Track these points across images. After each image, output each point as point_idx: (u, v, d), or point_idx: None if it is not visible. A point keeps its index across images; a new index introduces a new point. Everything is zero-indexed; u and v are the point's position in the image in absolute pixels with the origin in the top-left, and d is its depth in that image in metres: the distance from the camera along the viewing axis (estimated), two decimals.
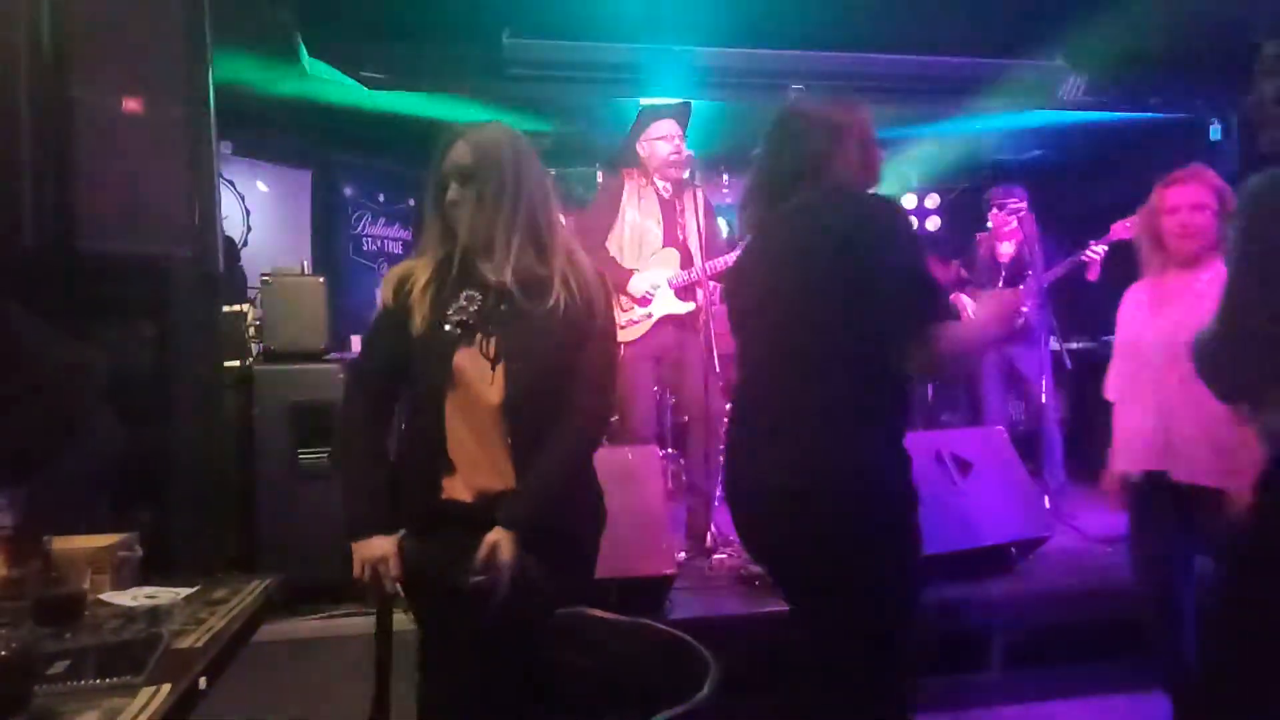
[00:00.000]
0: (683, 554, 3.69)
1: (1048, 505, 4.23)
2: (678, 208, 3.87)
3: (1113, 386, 2.76)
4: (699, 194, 3.87)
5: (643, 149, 3.85)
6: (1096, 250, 4.41)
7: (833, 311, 1.81)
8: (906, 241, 1.84)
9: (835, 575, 1.80)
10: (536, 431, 1.81)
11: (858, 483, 1.78)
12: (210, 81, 3.17)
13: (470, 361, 1.81)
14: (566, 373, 1.85)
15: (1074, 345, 5.32)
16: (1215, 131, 5.81)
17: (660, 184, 3.84)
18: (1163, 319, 2.55)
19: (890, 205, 1.90)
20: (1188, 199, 2.52)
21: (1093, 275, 4.48)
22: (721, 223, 4.78)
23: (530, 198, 1.83)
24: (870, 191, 1.95)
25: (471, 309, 1.84)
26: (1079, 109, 5.65)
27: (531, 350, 1.82)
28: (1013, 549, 3.45)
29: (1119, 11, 4.59)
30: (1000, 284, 4.81)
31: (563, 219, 1.92)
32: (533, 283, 1.82)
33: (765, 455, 1.87)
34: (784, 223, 1.94)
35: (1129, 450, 2.63)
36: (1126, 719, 3.10)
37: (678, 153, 3.77)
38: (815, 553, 1.81)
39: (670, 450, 5.11)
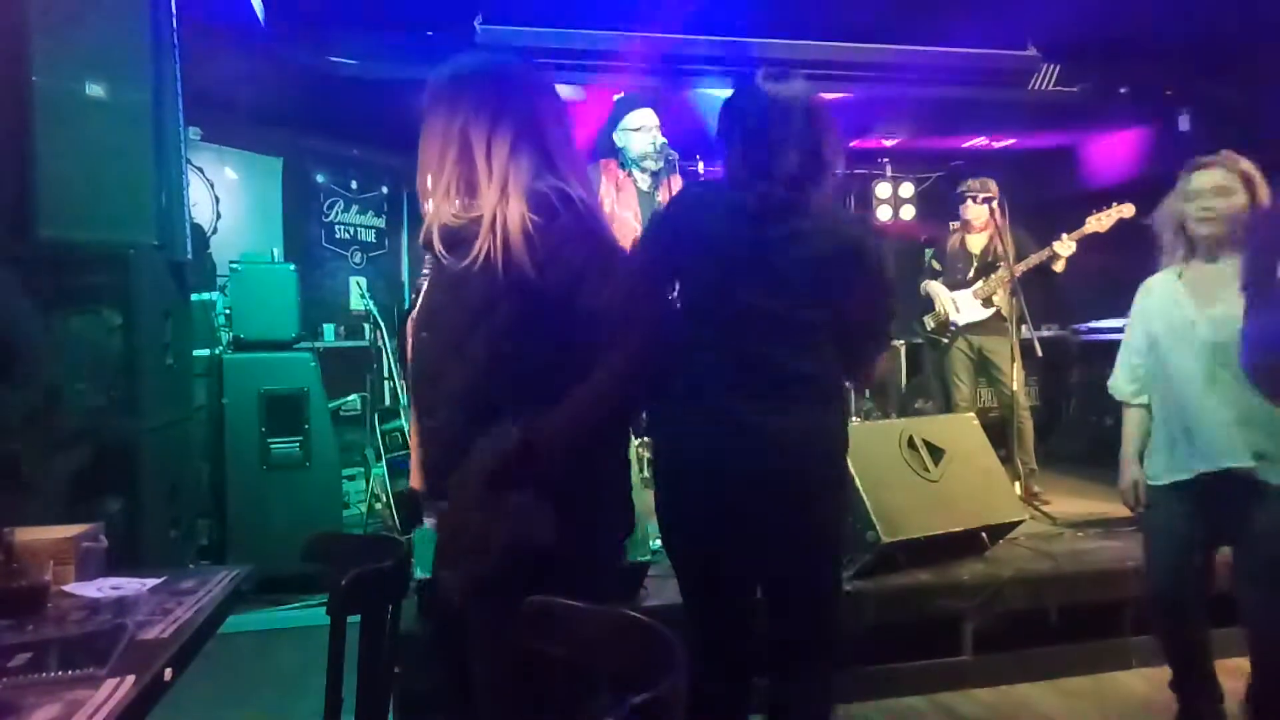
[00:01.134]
0: (657, 541, 3.69)
1: (1018, 491, 4.28)
2: (656, 199, 3.85)
3: (1133, 382, 2.64)
4: (675, 184, 3.85)
5: (619, 139, 3.82)
6: (1069, 243, 4.43)
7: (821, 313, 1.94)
8: (886, 274, 2.02)
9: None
10: (438, 418, 1.52)
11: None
12: (177, 67, 3.12)
13: (412, 328, 1.61)
14: (486, 345, 1.46)
15: (1045, 333, 5.37)
16: (1184, 122, 5.87)
17: (638, 175, 3.82)
18: (1213, 310, 2.38)
19: (873, 232, 2.08)
20: (1212, 183, 2.41)
21: (1058, 267, 4.51)
22: None
23: (464, 127, 1.50)
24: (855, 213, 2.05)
25: (426, 269, 1.62)
26: (1051, 99, 5.69)
27: (436, 318, 1.54)
28: (984, 534, 3.48)
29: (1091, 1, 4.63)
30: (971, 275, 4.84)
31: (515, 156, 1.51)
32: (455, 233, 1.50)
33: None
34: (783, 221, 1.94)
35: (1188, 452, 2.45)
36: (1096, 701, 3.14)
37: (655, 143, 3.75)
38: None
39: (647, 439, 5.11)
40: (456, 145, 1.51)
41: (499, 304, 1.45)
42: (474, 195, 1.51)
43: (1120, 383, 2.68)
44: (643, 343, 1.45)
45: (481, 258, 1.44)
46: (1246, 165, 2.42)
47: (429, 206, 1.55)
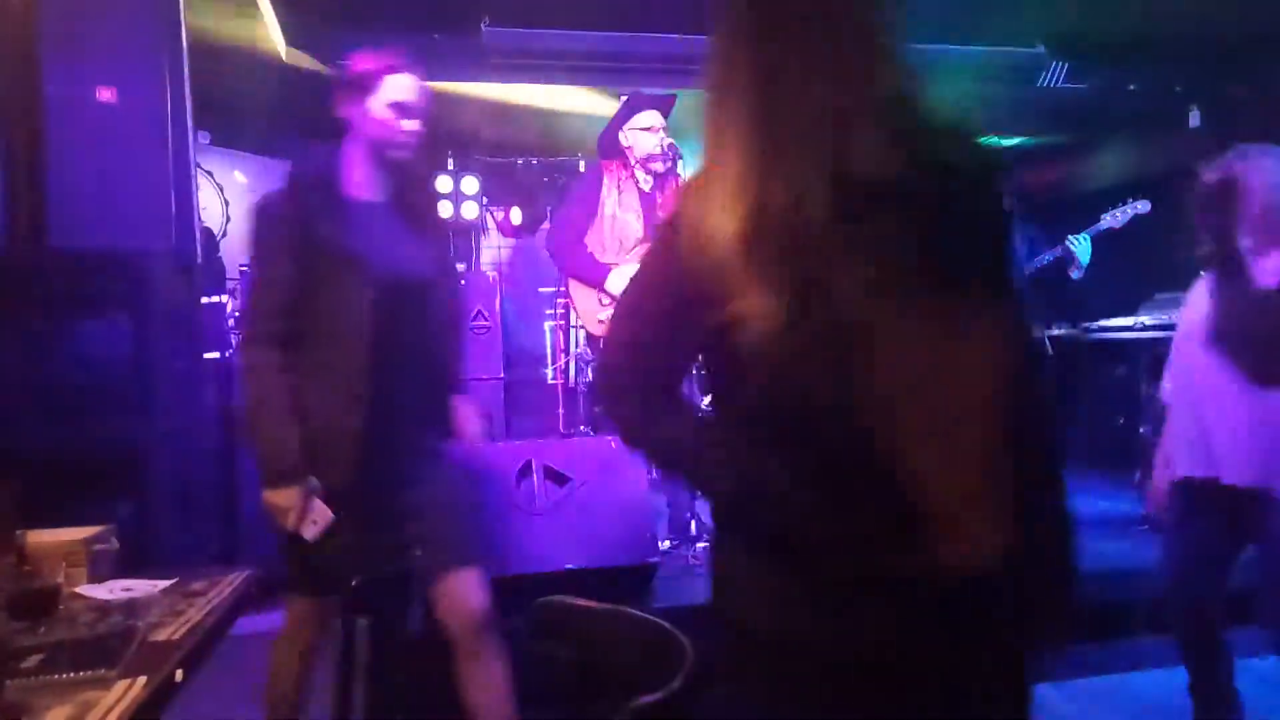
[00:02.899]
0: (666, 543, 3.69)
1: None
2: (658, 200, 3.85)
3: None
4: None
5: (626, 138, 3.82)
6: (1083, 241, 4.37)
7: None
8: None
9: None
10: None
11: None
12: (186, 71, 3.14)
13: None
14: None
15: (1055, 332, 5.34)
16: (1194, 118, 5.84)
17: (641, 176, 3.82)
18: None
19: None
20: None
21: (1074, 271, 4.45)
22: None
23: None
24: None
25: None
26: (1059, 96, 5.67)
27: None
28: None
29: None
30: None
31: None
32: None
33: None
34: None
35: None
36: (1112, 701, 3.13)
37: (662, 144, 3.75)
38: None
39: None
40: None
41: None
42: None
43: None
44: None
45: None
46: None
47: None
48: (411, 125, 2.10)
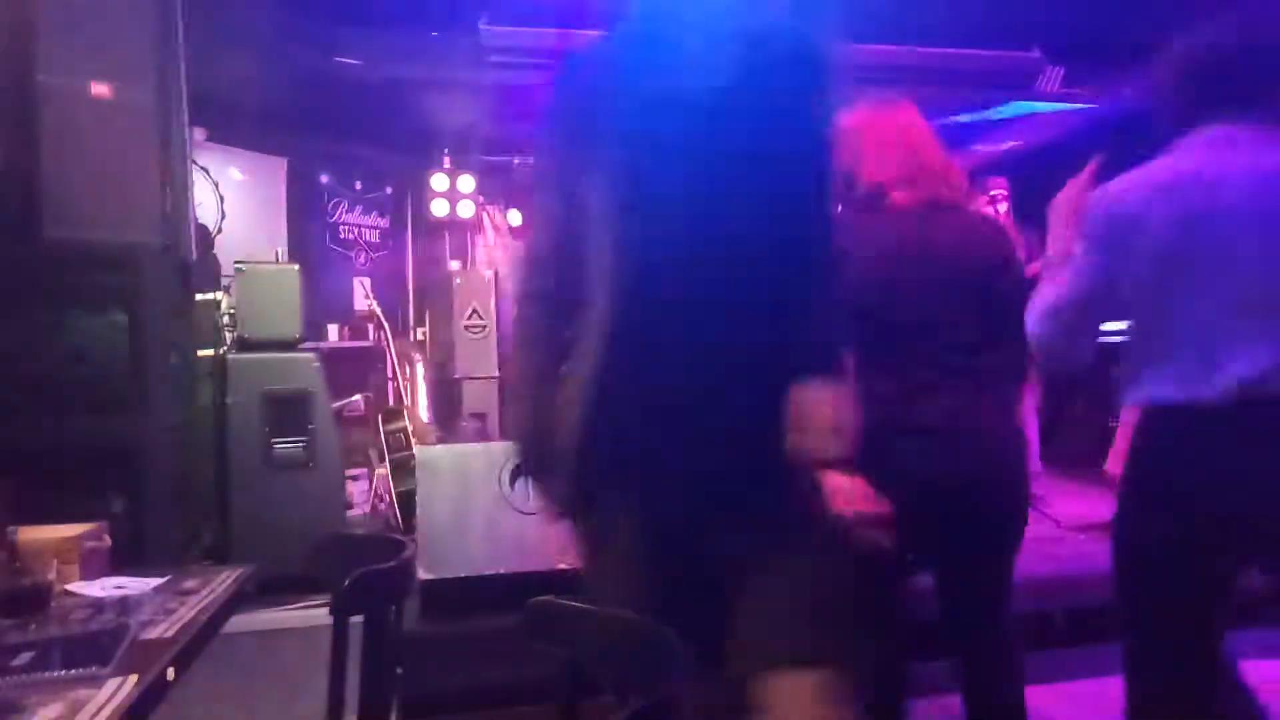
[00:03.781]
0: None
1: None
2: None
3: None
4: None
5: None
6: None
7: None
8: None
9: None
10: None
11: None
12: (182, 67, 3.13)
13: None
14: None
15: None
16: None
17: None
18: None
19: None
20: None
21: None
22: None
23: None
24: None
25: None
26: (1056, 100, 5.68)
27: None
28: None
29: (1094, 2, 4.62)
30: None
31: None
32: None
33: None
34: None
35: None
36: (1099, 704, 3.13)
37: None
38: None
39: None
40: None
41: None
42: None
43: None
44: None
45: None
46: None
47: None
48: None
